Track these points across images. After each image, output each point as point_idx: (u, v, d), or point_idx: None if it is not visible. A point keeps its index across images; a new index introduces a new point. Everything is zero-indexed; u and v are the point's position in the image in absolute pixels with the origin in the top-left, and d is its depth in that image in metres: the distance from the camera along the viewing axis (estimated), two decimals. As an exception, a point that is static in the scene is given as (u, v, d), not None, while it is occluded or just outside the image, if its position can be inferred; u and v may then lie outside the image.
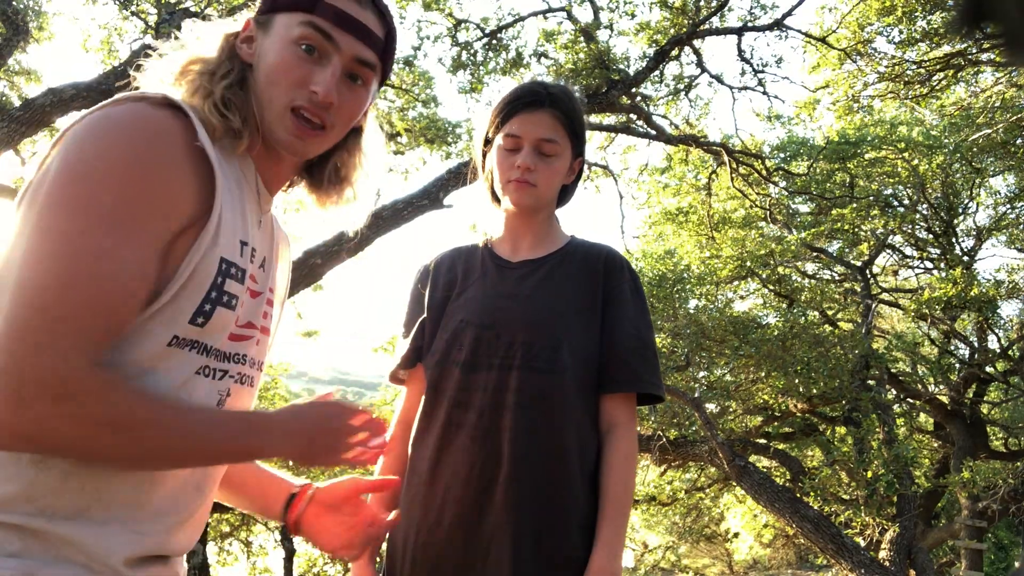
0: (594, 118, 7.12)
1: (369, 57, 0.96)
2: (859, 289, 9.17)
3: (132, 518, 0.85)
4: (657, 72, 7.21)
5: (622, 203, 8.48)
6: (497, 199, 1.45)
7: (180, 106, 0.85)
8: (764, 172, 7.70)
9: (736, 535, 13.64)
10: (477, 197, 1.52)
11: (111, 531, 0.82)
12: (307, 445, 0.93)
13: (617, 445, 1.31)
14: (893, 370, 8.24)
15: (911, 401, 8.98)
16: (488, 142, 1.43)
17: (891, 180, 9.15)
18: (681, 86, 7.69)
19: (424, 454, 1.32)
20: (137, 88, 0.88)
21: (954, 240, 9.90)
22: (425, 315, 1.44)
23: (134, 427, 0.77)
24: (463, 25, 7.07)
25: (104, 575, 0.82)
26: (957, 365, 8.45)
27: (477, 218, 1.58)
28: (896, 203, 9.61)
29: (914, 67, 6.97)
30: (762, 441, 9.07)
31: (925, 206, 9.38)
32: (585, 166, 1.48)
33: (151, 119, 0.81)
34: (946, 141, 8.38)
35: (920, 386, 8.73)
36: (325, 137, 0.97)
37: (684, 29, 6.82)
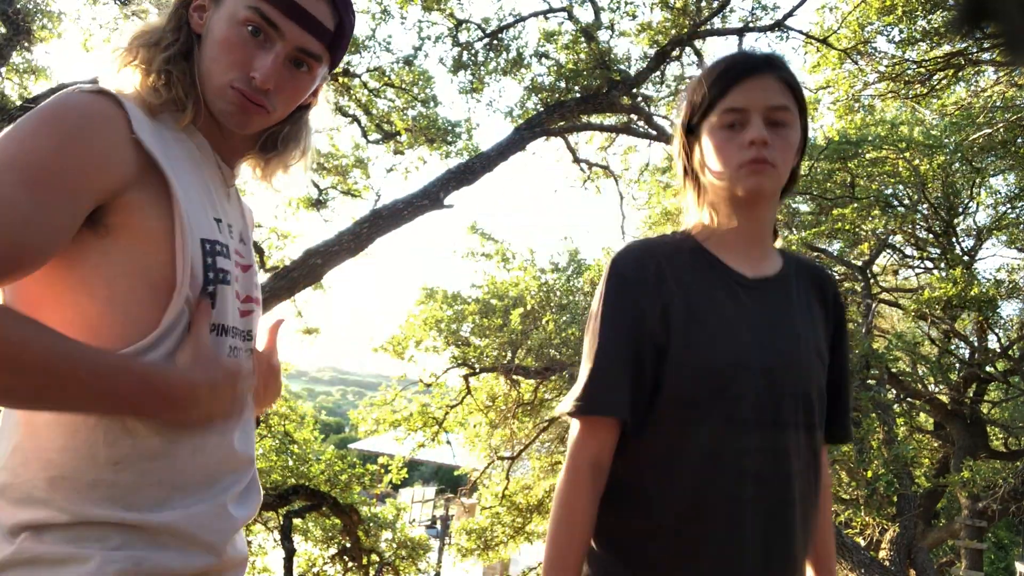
0: (595, 118, 7.12)
1: (315, 49, 0.94)
2: (859, 289, 9.18)
3: (208, 497, 0.90)
4: (658, 73, 7.20)
5: (623, 203, 8.49)
6: (702, 196, 1.16)
7: (116, 96, 0.85)
8: (764, 172, 7.69)
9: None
10: (682, 200, 1.22)
11: (197, 511, 0.87)
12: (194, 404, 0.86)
13: (829, 495, 1.21)
14: (893, 370, 8.24)
15: (911, 401, 8.98)
16: (692, 130, 1.15)
17: (892, 180, 9.15)
18: (682, 87, 7.68)
19: (715, 540, 1.04)
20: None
21: (954, 240, 9.90)
22: (642, 338, 1.09)
23: (10, 350, 0.73)
24: (464, 25, 7.07)
25: (200, 555, 0.87)
26: (957, 365, 8.46)
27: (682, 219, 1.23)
28: (896, 203, 9.61)
29: (914, 67, 6.97)
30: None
31: (925, 206, 9.37)
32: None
33: (86, 103, 0.82)
34: (946, 141, 8.38)
35: (920, 386, 8.74)
36: (267, 116, 0.95)
37: (685, 30, 6.82)
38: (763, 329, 1.09)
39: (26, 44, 6.22)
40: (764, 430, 1.04)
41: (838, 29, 7.08)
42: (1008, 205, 9.90)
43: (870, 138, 8.32)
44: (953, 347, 9.14)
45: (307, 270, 5.34)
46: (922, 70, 6.89)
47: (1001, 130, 7.51)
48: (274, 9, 0.90)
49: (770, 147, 1.07)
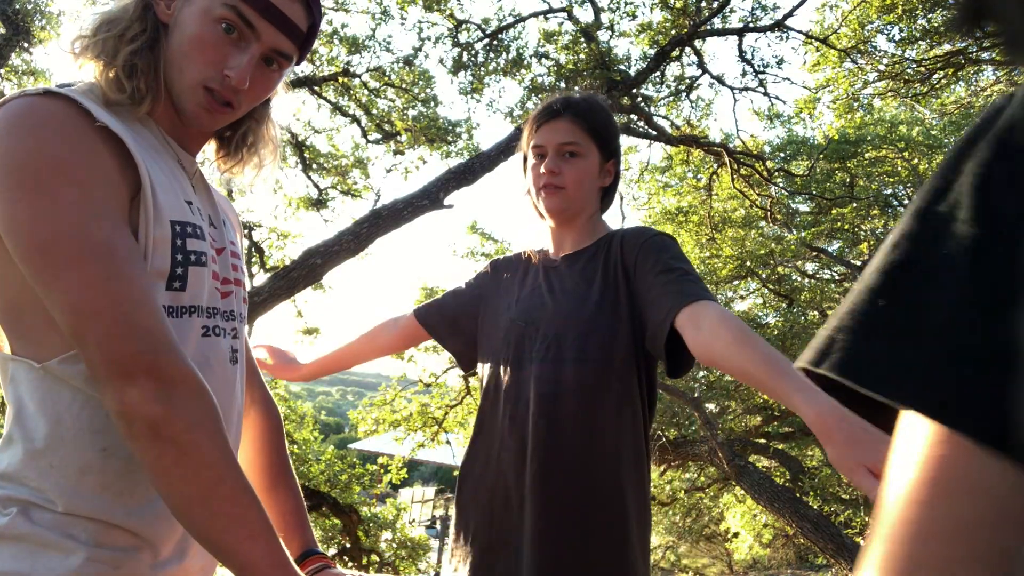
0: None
1: (288, 50, 0.94)
2: (859, 289, 9.16)
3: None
4: (658, 73, 7.21)
5: (622, 203, 8.49)
6: (541, 213, 1.50)
7: (63, 94, 0.82)
8: (765, 174, 7.70)
9: (736, 535, 13.63)
10: (527, 214, 1.55)
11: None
12: None
13: (712, 325, 1.11)
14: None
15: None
16: (526, 159, 1.50)
17: (891, 179, 9.16)
18: (682, 87, 7.69)
19: (487, 448, 1.39)
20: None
21: (954, 240, 9.88)
22: (467, 300, 1.56)
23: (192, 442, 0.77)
24: (464, 26, 7.07)
25: (175, 558, 0.90)
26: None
27: (528, 232, 1.60)
28: (896, 203, 9.61)
29: (914, 66, 6.97)
30: (762, 441, 9.07)
31: (925, 206, 9.37)
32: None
33: (45, 112, 0.79)
34: (946, 140, 8.38)
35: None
36: (232, 114, 0.95)
37: (685, 30, 6.83)
38: (539, 293, 1.43)
39: (25, 45, 6.23)
40: (513, 365, 1.37)
41: (838, 28, 7.08)
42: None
43: (869, 137, 8.33)
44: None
45: (307, 270, 5.34)
46: (922, 69, 6.90)
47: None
48: (251, 9, 0.89)
49: (561, 174, 1.39)
